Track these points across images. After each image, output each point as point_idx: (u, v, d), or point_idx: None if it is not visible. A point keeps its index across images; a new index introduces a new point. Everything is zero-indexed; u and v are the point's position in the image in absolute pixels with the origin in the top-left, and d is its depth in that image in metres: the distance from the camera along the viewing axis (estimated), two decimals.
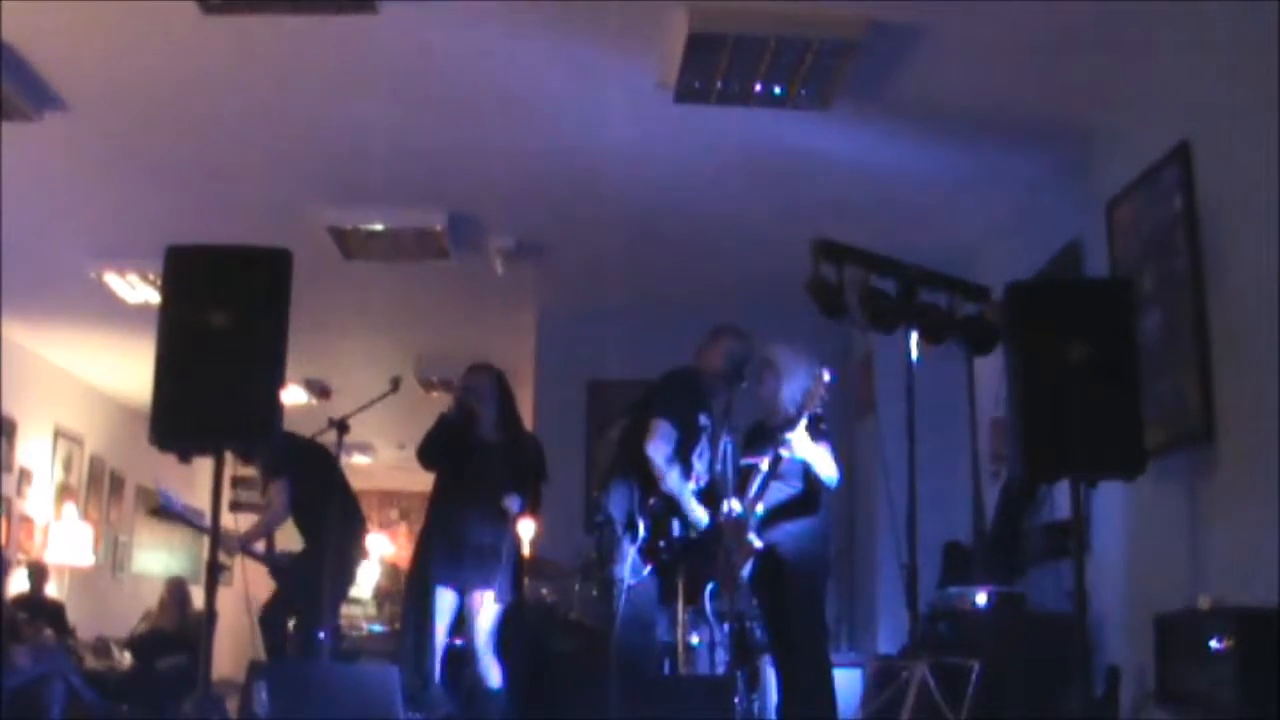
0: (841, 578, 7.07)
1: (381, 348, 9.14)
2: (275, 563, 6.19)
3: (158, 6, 4.26)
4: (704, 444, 5.11)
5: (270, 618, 5.98)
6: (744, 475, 5.00)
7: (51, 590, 8.80)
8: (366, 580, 10.53)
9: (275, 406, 3.52)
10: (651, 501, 4.95)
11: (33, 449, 9.41)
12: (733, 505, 4.91)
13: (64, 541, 9.41)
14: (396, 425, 9.22)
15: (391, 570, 11.43)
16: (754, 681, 5.43)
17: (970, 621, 4.87)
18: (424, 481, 5.80)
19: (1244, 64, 3.89)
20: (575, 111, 5.19)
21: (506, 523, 5.41)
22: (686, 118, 5.02)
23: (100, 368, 9.97)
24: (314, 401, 9.91)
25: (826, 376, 4.90)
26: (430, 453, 5.63)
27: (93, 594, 9.96)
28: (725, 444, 5.00)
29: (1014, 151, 5.41)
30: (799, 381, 4.99)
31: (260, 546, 6.20)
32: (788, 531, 4.97)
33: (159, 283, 3.82)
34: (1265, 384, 3.69)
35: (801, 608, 4.98)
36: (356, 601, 10.04)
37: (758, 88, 4.69)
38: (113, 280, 7.18)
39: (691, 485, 5.00)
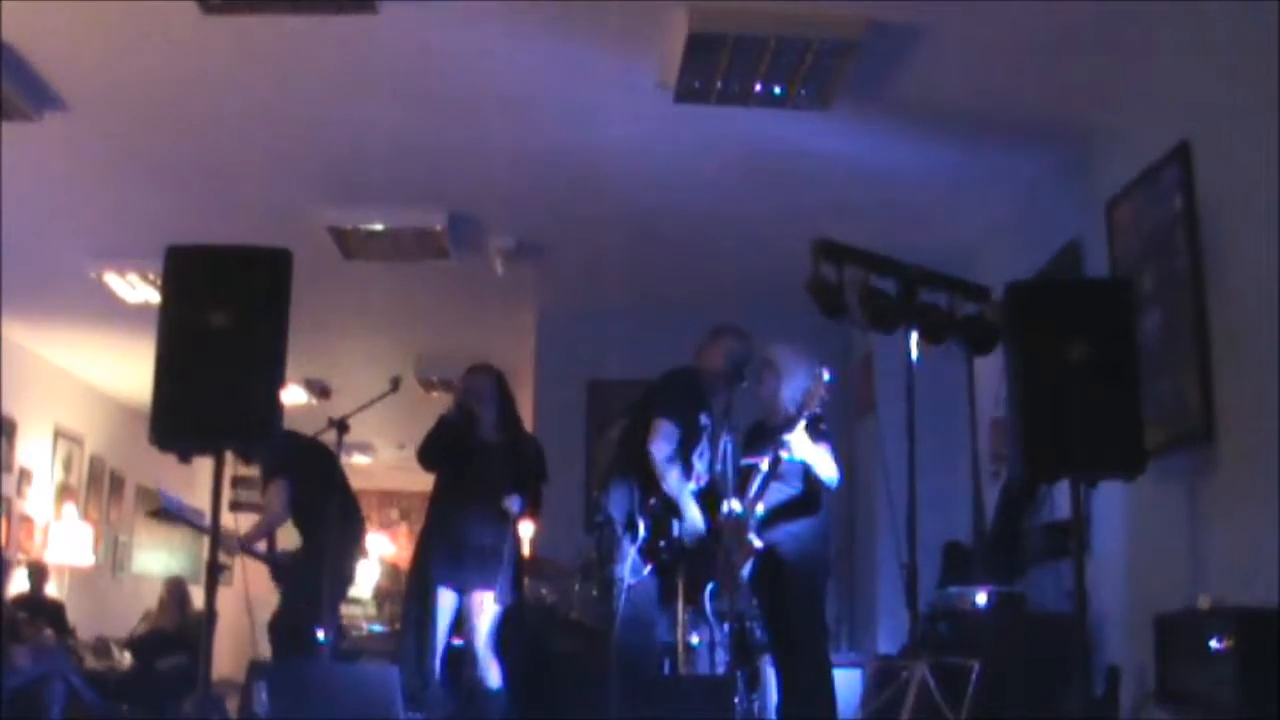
0: (841, 578, 7.06)
1: (381, 348, 9.14)
2: (277, 562, 6.19)
3: (158, 6, 4.26)
4: (704, 444, 5.11)
5: (279, 625, 5.96)
6: (744, 475, 5.00)
7: (51, 590, 8.80)
8: (366, 580, 10.52)
9: (275, 406, 3.51)
10: (651, 501, 4.95)
11: (33, 449, 9.41)
12: (733, 505, 4.91)
13: (64, 541, 9.41)
14: (396, 425, 9.23)
15: (391, 570, 11.43)
16: (754, 681, 5.43)
17: (970, 621, 4.87)
18: (424, 481, 5.81)
19: (1244, 64, 3.89)
20: (575, 111, 5.19)
21: (507, 523, 5.42)
22: (686, 117, 5.02)
23: (100, 368, 9.97)
24: (314, 401, 9.91)
25: (826, 376, 4.90)
26: (430, 454, 5.64)
27: (93, 594, 9.96)
28: (725, 444, 5.00)
29: (1014, 151, 5.42)
30: (799, 381, 4.99)
31: (261, 546, 6.19)
32: (788, 531, 4.97)
33: (159, 283, 3.82)
34: (1265, 384, 3.69)
35: (801, 608, 4.98)
36: (356, 601, 10.03)
37: (758, 88, 4.69)
38: (113, 280, 7.18)
39: (692, 485, 5.00)
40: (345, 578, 6.16)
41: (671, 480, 4.92)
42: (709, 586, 5.14)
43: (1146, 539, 4.55)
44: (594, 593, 6.09)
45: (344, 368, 9.47)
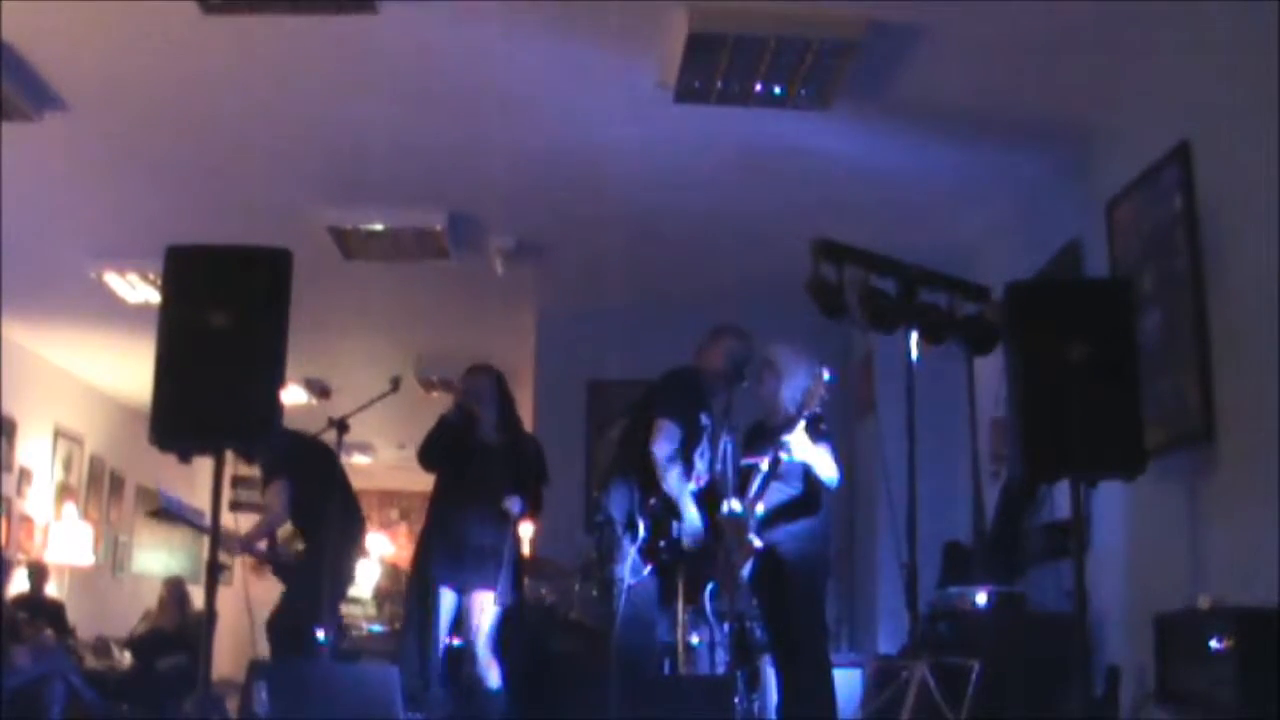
0: (841, 578, 7.06)
1: (381, 348, 9.14)
2: (279, 561, 6.18)
3: (158, 6, 4.26)
4: (705, 444, 5.11)
5: (278, 624, 5.96)
6: (744, 475, 5.00)
7: (51, 590, 8.80)
8: (366, 580, 10.51)
9: (275, 406, 3.52)
10: (652, 502, 4.95)
11: (33, 449, 9.41)
12: (733, 505, 4.91)
13: (64, 541, 9.41)
14: (396, 425, 9.23)
15: (391, 570, 11.41)
16: (754, 681, 5.43)
17: (970, 621, 4.87)
18: (424, 481, 5.81)
19: (1244, 64, 3.89)
20: (575, 111, 5.19)
21: (507, 524, 5.42)
22: (686, 117, 5.02)
23: (100, 368, 9.97)
24: (314, 401, 9.90)
25: (826, 376, 4.90)
26: (431, 455, 5.64)
27: (93, 594, 9.96)
28: (725, 444, 5.00)
29: (1014, 151, 5.42)
30: (799, 381, 5.00)
31: (263, 545, 6.19)
32: (788, 531, 4.97)
33: (159, 283, 3.82)
34: (1265, 384, 3.69)
35: (801, 608, 4.98)
36: (356, 601, 10.01)
37: (758, 88, 4.69)
38: (113, 280, 7.18)
39: (692, 485, 5.00)
40: (345, 577, 6.16)
41: (672, 480, 4.92)
42: (709, 586, 5.14)
43: (1146, 539, 4.55)
44: (594, 593, 6.09)
45: (344, 368, 9.47)
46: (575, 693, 5.70)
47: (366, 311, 8.31)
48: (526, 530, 6.13)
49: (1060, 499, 4.84)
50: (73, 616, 8.54)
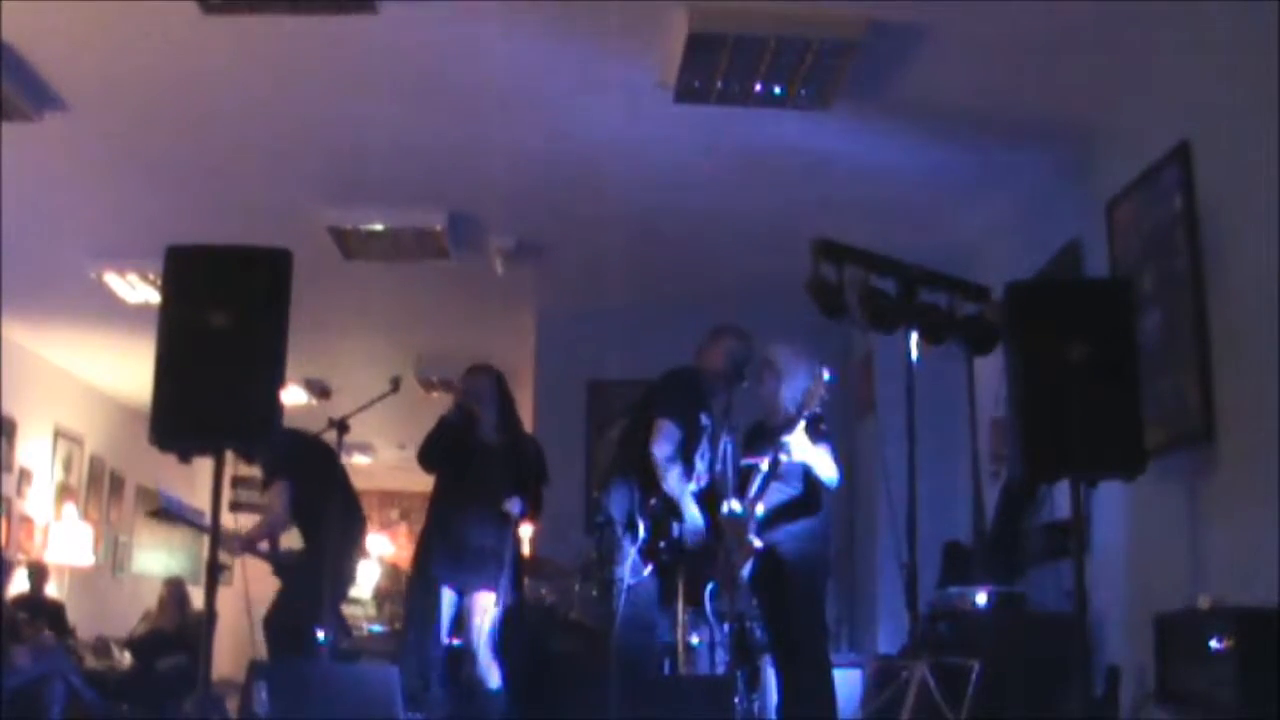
0: (841, 578, 7.06)
1: (381, 348, 9.14)
2: (280, 561, 6.18)
3: (158, 6, 4.26)
4: (705, 444, 5.11)
5: (273, 622, 5.96)
6: (744, 475, 5.00)
7: (51, 590, 8.80)
8: (366, 580, 10.52)
9: (275, 406, 3.52)
10: (652, 502, 4.95)
11: (33, 449, 9.41)
12: (733, 505, 4.91)
13: (64, 541, 9.41)
14: (396, 425, 9.23)
15: (391, 570, 11.42)
16: (754, 681, 5.43)
17: (970, 621, 4.87)
18: (424, 481, 5.81)
19: (1244, 64, 3.89)
20: (575, 111, 5.19)
21: (508, 525, 5.42)
22: (686, 117, 5.02)
23: (100, 368, 9.97)
24: (314, 401, 9.90)
25: (826, 376, 4.90)
26: (431, 455, 5.64)
27: (93, 594, 9.96)
28: (725, 444, 5.00)
29: (1014, 151, 5.42)
30: (799, 381, 5.00)
31: (264, 545, 6.18)
32: (788, 532, 4.97)
33: (159, 283, 3.82)
34: (1265, 384, 3.69)
35: (801, 608, 4.98)
36: (356, 601, 10.03)
37: (758, 88, 4.69)
38: (113, 280, 7.18)
39: (692, 486, 5.00)
40: (346, 578, 6.16)
41: (672, 480, 4.92)
42: (709, 587, 5.15)
43: (1146, 539, 4.55)
44: (594, 593, 6.09)
45: (344, 368, 9.47)
46: (575, 693, 5.70)
47: (366, 311, 8.31)
48: (526, 530, 6.13)
49: (1060, 499, 4.84)
50: (73, 617, 8.54)
